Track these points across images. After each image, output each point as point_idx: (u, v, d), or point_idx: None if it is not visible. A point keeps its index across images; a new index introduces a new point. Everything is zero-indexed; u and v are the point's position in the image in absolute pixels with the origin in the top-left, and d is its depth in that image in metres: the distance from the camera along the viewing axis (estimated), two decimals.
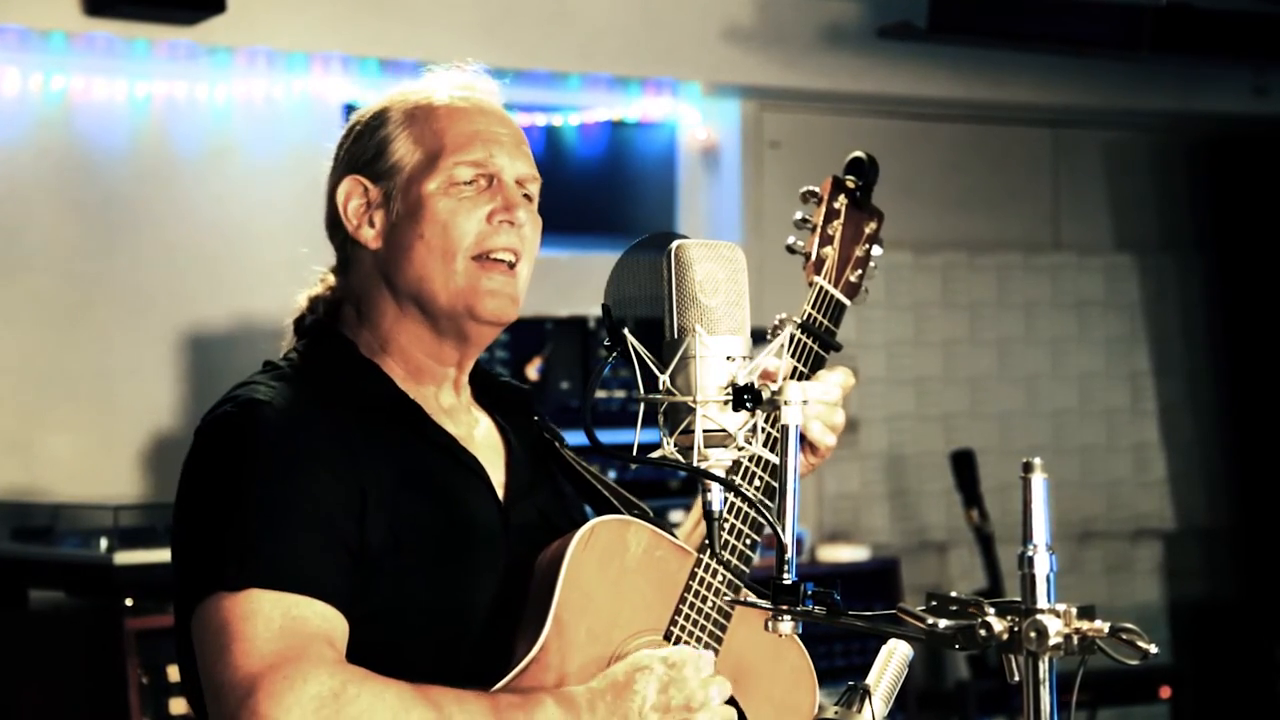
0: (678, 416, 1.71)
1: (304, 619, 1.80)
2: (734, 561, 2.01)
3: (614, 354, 1.78)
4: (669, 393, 1.71)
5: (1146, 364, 6.06)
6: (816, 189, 2.17)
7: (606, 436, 1.76)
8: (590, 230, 5.17)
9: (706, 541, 1.96)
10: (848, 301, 2.18)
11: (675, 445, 1.72)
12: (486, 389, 2.13)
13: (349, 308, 2.04)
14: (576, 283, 4.92)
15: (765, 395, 1.68)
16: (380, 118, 2.03)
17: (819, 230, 2.15)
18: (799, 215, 2.17)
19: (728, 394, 1.69)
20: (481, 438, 2.07)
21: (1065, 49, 5.34)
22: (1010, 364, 5.86)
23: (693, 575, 2.00)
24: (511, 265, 2.01)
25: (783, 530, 1.65)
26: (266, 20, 4.42)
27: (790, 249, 2.17)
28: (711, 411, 1.69)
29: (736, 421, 1.70)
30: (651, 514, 2.09)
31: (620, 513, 2.05)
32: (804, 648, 2.08)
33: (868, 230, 2.18)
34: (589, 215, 5.24)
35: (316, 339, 2.04)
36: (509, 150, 2.03)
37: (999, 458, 5.53)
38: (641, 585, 1.97)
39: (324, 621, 1.81)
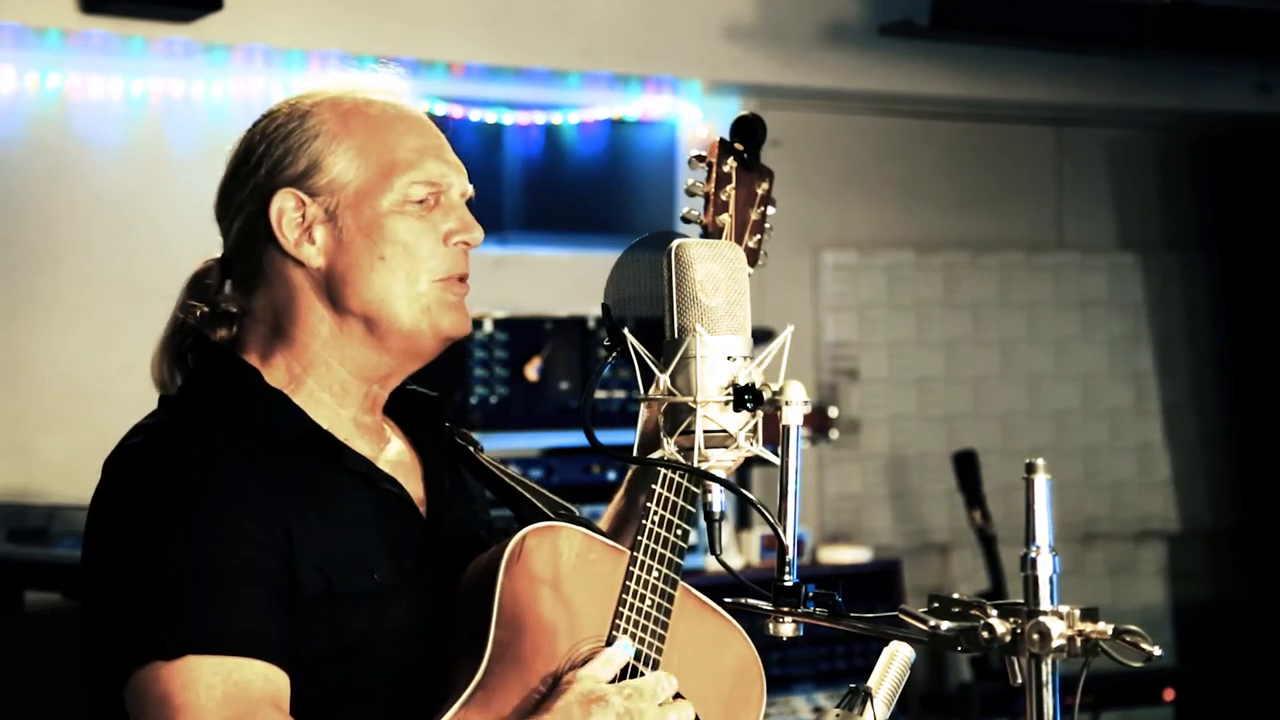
0: (678, 417, 1.70)
1: (247, 683, 1.74)
2: (668, 554, 1.93)
3: (614, 354, 1.78)
4: (669, 393, 1.70)
5: (1150, 364, 6.04)
6: (704, 153, 2.10)
7: (606, 437, 1.75)
8: (590, 229, 5.17)
9: (638, 537, 1.92)
10: (750, 270, 2.07)
11: (675, 446, 1.71)
12: (397, 399, 2.06)
13: (258, 326, 1.95)
14: (576, 282, 4.92)
15: (766, 395, 1.67)
16: (306, 124, 1.94)
17: (713, 198, 2.07)
18: (690, 181, 2.10)
19: (728, 394, 1.68)
20: (396, 456, 2.00)
21: (1068, 46, 5.34)
22: (1013, 364, 5.84)
23: (629, 575, 1.92)
24: (463, 279, 1.97)
25: (784, 532, 1.63)
26: (264, 18, 4.41)
27: (685, 219, 2.10)
28: (712, 412, 1.68)
29: (737, 422, 1.69)
30: (576, 512, 2.03)
31: (545, 516, 1.98)
32: (747, 636, 2.02)
33: (760, 191, 2.11)
34: (588, 214, 5.23)
35: (217, 369, 1.94)
36: (454, 165, 1.98)
37: (1001, 458, 5.50)
38: (579, 592, 1.90)
39: (267, 684, 1.76)
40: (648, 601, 1.92)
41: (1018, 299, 5.85)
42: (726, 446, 1.69)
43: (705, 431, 1.68)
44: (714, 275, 1.71)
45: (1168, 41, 5.21)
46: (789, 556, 1.63)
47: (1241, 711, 5.89)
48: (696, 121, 5.37)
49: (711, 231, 2.07)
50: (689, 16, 5.00)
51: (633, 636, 1.91)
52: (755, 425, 1.73)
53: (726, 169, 2.08)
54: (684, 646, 1.96)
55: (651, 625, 1.92)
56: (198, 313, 1.98)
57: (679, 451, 1.71)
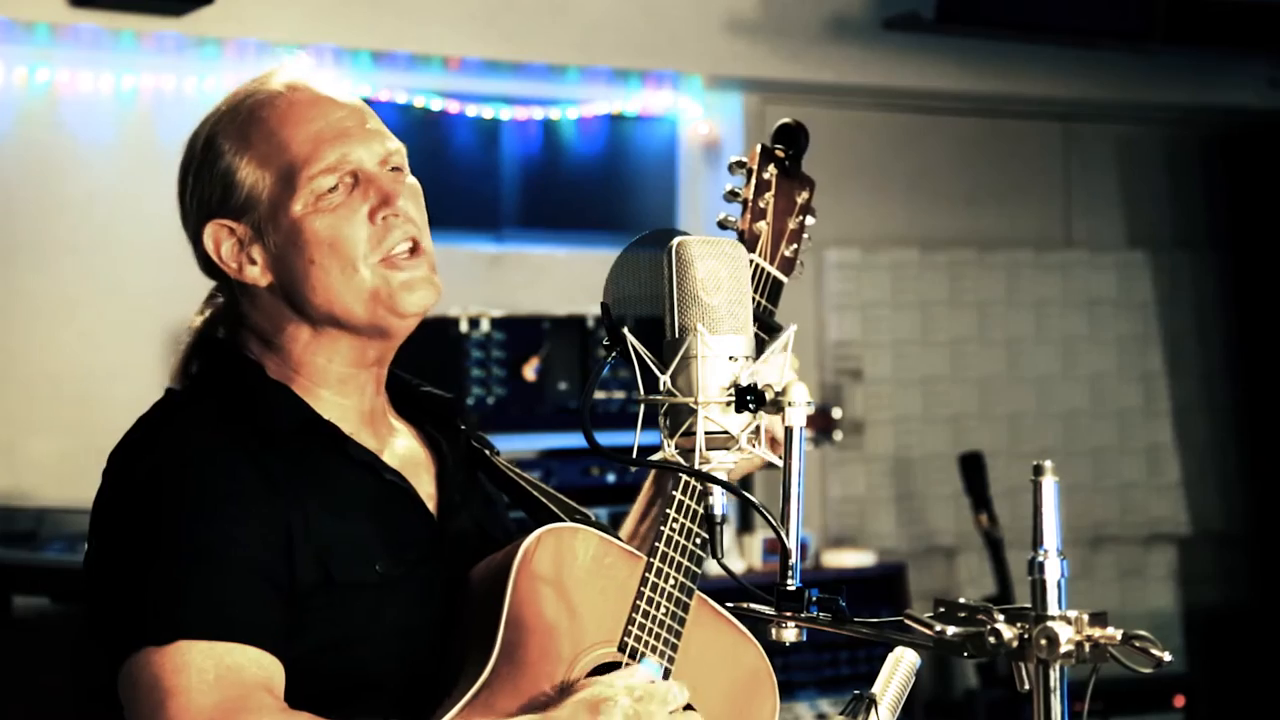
0: (679, 418, 1.68)
1: (239, 667, 1.74)
2: (686, 563, 1.94)
3: (613, 354, 1.76)
4: (670, 394, 1.69)
5: (1160, 364, 6.02)
6: (745, 159, 2.10)
7: (605, 438, 1.73)
8: (589, 227, 5.16)
9: (656, 544, 1.93)
10: (784, 279, 2.11)
11: (676, 447, 1.69)
12: (409, 399, 2.07)
13: (247, 333, 1.96)
14: (575, 281, 4.91)
15: (768, 396, 1.65)
16: (213, 148, 1.92)
17: (750, 204, 2.08)
18: (728, 187, 2.10)
19: (730, 395, 1.67)
20: (405, 452, 2.00)
21: (1075, 41, 5.36)
22: (1020, 364, 5.82)
23: (644, 581, 1.92)
24: (414, 249, 1.92)
25: (786, 535, 1.62)
26: (255, 12, 4.41)
27: (721, 225, 2.10)
28: (713, 413, 1.66)
29: (739, 423, 1.67)
30: (594, 519, 2.03)
31: (559, 520, 1.98)
32: (761, 648, 2.02)
33: (799, 200, 2.12)
34: (588, 211, 5.24)
35: (220, 363, 1.96)
36: (359, 137, 1.92)
37: (1009, 460, 5.49)
38: (592, 596, 1.89)
39: (260, 669, 1.75)
40: (662, 609, 1.92)
41: (1025, 298, 5.83)
42: (728, 448, 1.68)
43: (706, 433, 1.67)
44: (715, 273, 1.69)
45: (1176, 36, 5.24)
46: (792, 560, 1.62)
47: (1252, 717, 5.86)
48: (697, 117, 5.36)
49: (748, 238, 2.07)
50: (690, 10, 5.00)
51: (645, 644, 1.91)
52: (757, 427, 1.70)
53: (767, 176, 2.09)
54: (697, 657, 1.95)
55: (665, 634, 1.92)
56: (196, 319, 1.99)
57: (679, 453, 1.69)
